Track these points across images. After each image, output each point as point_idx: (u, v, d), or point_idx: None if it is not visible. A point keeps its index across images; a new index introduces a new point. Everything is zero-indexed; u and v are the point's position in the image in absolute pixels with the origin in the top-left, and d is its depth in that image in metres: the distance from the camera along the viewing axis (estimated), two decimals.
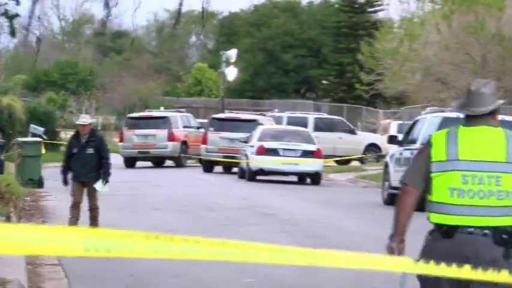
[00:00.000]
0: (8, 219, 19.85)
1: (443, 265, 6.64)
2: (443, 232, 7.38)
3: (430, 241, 7.50)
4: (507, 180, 7.40)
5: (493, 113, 7.61)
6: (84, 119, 19.10)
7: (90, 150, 18.57)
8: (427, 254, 7.37)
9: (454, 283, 7.19)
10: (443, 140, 7.51)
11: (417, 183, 7.56)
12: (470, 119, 7.60)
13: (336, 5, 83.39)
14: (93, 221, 18.67)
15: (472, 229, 7.30)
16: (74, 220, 18.55)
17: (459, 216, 7.34)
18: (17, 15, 12.84)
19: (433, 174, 7.48)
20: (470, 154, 7.44)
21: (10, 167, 29.92)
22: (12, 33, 13.20)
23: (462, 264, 6.97)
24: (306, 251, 6.52)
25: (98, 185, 18.85)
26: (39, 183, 29.95)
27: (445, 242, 7.35)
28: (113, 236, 5.77)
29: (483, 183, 7.37)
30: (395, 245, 7.53)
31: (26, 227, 5.83)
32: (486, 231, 7.30)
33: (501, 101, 7.70)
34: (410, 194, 7.60)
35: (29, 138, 33.50)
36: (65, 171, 18.88)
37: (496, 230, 7.31)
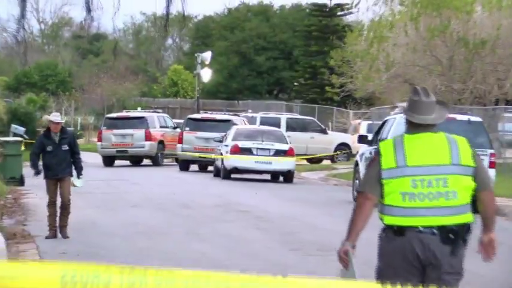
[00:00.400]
0: None
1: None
2: (395, 231, 7.65)
3: (384, 240, 7.74)
4: (453, 181, 7.66)
5: (434, 124, 7.96)
6: (57, 117, 19.08)
7: (65, 147, 18.56)
8: (384, 252, 7.72)
9: (409, 273, 7.61)
10: (391, 149, 7.76)
11: (375, 190, 7.77)
12: (414, 126, 7.86)
13: (307, 9, 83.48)
14: (66, 216, 18.45)
15: (421, 228, 7.58)
16: (53, 218, 18.49)
17: (411, 217, 7.61)
18: None
19: (384, 181, 7.72)
20: (418, 160, 7.70)
21: None
22: None
23: (413, 259, 7.52)
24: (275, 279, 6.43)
25: (77, 182, 18.84)
26: (21, 181, 29.91)
27: (398, 239, 7.61)
28: (89, 270, 5.72)
29: (432, 186, 7.65)
30: (350, 248, 7.69)
31: (10, 265, 5.82)
32: (434, 230, 7.58)
33: (447, 114, 8.15)
34: (368, 201, 7.81)
35: (10, 138, 33.43)
36: (35, 163, 18.81)
37: (444, 230, 7.59)
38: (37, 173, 18.85)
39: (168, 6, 12.44)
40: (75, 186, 18.89)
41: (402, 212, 7.65)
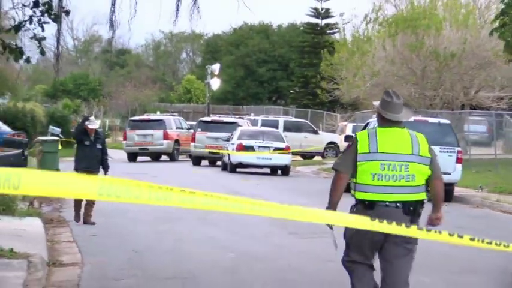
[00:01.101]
0: (31, 204, 19.80)
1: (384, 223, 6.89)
2: (366, 205, 8.20)
3: (357, 211, 8.22)
4: (413, 167, 8.25)
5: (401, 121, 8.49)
6: (95, 125, 18.97)
7: (99, 146, 18.48)
8: None
9: (372, 243, 8.24)
10: (366, 138, 8.31)
11: (347, 170, 8.32)
12: (385, 122, 8.42)
13: (301, 28, 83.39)
14: (91, 206, 18.08)
15: (387, 203, 8.17)
16: (78, 208, 18.22)
17: (379, 194, 8.19)
18: (44, 38, 12.79)
19: (358, 163, 8.25)
20: (386, 148, 8.27)
21: (32, 161, 29.83)
22: (42, 53, 13.09)
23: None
24: (281, 205, 6.55)
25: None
26: None
27: (368, 212, 7.98)
28: (122, 184, 5.79)
29: (396, 170, 8.23)
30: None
31: (51, 174, 5.84)
32: (398, 204, 8.20)
33: (412, 114, 8.74)
34: (342, 179, 8.39)
35: (49, 138, 33.40)
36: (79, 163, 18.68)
37: (405, 204, 8.23)
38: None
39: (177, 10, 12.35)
40: None
41: (372, 189, 8.20)
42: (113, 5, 12.18)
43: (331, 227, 8.18)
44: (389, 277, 8.28)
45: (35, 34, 12.77)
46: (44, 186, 5.64)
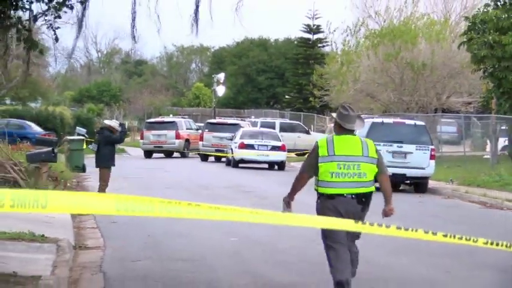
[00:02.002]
0: None
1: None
2: (327, 197, 9.02)
3: (321, 202, 9.10)
4: (363, 166, 9.02)
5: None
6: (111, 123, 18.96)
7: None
8: (321, 208, 9.06)
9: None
10: (325, 144, 9.06)
11: (310, 171, 9.16)
12: (342, 130, 9.15)
13: (295, 42, 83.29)
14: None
15: (345, 195, 8.97)
16: None
17: (337, 188, 8.98)
18: (58, 27, 12.61)
19: (320, 164, 9.02)
20: (342, 151, 9.01)
21: (61, 158, 29.82)
22: (56, 40, 12.87)
23: (339, 214, 8.83)
24: (274, 213, 6.58)
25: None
26: (83, 169, 29.84)
27: (329, 201, 8.99)
28: (137, 200, 5.89)
29: (350, 168, 8.99)
30: (289, 200, 9.44)
31: (73, 194, 5.89)
32: (353, 195, 8.99)
33: (363, 124, 9.33)
34: (305, 178, 9.31)
35: (75, 137, 33.37)
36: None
37: (358, 195, 9.01)
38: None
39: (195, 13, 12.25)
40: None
41: (331, 184, 9.00)
42: (133, 20, 12.15)
43: (292, 199, 9.41)
44: (353, 244, 9.26)
45: (51, 24, 12.58)
46: (68, 204, 5.73)
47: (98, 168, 18.58)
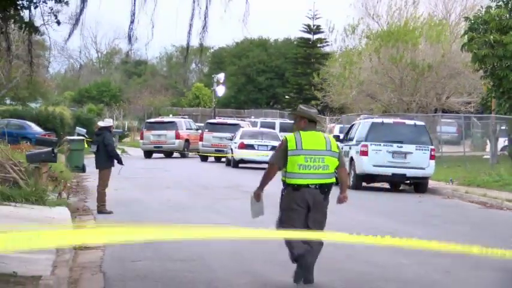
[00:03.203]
0: (60, 195, 19.76)
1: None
2: (294, 188, 10.00)
3: (287, 193, 10.11)
4: (327, 159, 10.02)
5: (316, 124, 10.31)
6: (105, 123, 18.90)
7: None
8: (286, 199, 10.10)
9: (301, 212, 10.01)
10: (293, 139, 10.02)
11: (279, 163, 10.13)
12: (307, 125, 10.13)
13: (295, 42, 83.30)
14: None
15: (310, 185, 9.96)
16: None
17: (304, 179, 9.95)
18: (58, 11, 12.60)
19: (289, 157, 10.00)
20: (308, 146, 9.99)
21: (61, 158, 29.83)
22: (58, 23, 12.82)
23: (305, 203, 9.95)
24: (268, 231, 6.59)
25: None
26: (82, 169, 29.85)
27: (295, 192, 9.99)
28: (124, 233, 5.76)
29: (315, 161, 9.98)
30: (260, 192, 10.41)
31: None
32: (317, 186, 9.98)
33: (317, 114, 10.44)
34: (274, 169, 10.27)
35: (75, 137, 33.39)
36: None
37: (322, 186, 10.01)
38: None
39: (188, 42, 12.38)
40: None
41: (299, 176, 9.96)
42: (132, 22, 12.15)
43: (262, 191, 10.36)
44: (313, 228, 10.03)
45: (51, 8, 12.57)
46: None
47: (98, 169, 18.54)
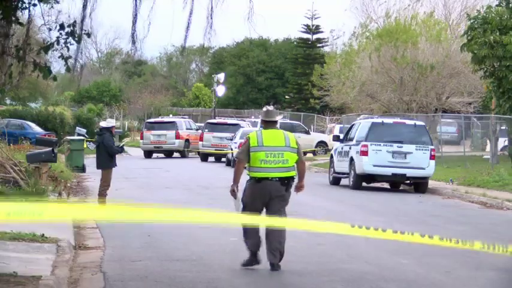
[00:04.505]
0: (60, 195, 19.77)
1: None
2: (257, 180, 11.13)
3: (250, 185, 11.25)
4: (286, 154, 11.13)
5: (276, 123, 11.42)
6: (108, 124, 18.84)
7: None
8: (249, 190, 11.24)
9: (262, 201, 11.16)
10: (255, 136, 11.15)
11: (245, 158, 11.16)
12: (267, 125, 11.32)
13: (295, 42, 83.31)
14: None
15: (270, 178, 11.09)
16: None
17: (265, 173, 11.08)
18: (70, 57, 12.77)
19: (251, 153, 11.09)
20: (268, 142, 11.13)
21: (61, 158, 29.83)
22: (68, 70, 13.06)
23: (267, 195, 11.13)
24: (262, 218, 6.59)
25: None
26: (82, 169, 29.86)
27: (257, 184, 11.15)
28: (117, 209, 5.83)
29: (276, 157, 11.10)
30: (235, 188, 11.22)
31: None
32: (277, 179, 11.11)
33: (280, 116, 12.12)
34: (242, 164, 11.24)
35: (75, 137, 33.40)
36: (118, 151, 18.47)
37: (282, 178, 11.13)
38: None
39: (185, 39, 12.44)
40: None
41: (260, 170, 11.10)
42: (134, 23, 12.16)
43: (237, 187, 11.18)
44: (274, 215, 10.94)
45: (62, 54, 12.75)
46: (62, 213, 5.72)
47: (100, 170, 18.48)
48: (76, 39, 12.45)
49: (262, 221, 10.24)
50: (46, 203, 5.93)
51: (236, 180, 11.28)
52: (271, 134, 11.18)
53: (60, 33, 12.54)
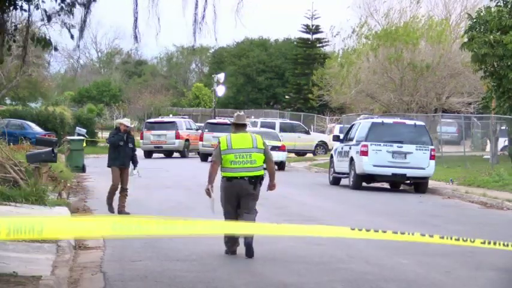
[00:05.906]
0: (60, 195, 19.75)
1: None
2: (227, 179, 12.16)
3: (222, 183, 12.24)
4: (254, 155, 12.14)
5: (245, 126, 12.43)
6: (128, 122, 18.72)
7: (130, 145, 18.17)
8: (224, 188, 12.20)
9: (235, 197, 12.18)
10: (225, 140, 12.19)
11: (218, 160, 12.14)
12: (236, 129, 12.30)
13: (295, 42, 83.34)
14: (124, 197, 17.99)
15: (239, 177, 12.10)
16: (112, 199, 18.01)
17: (235, 172, 12.08)
18: (73, 26, 12.59)
19: (222, 155, 12.11)
20: (237, 145, 12.12)
21: (61, 158, 29.83)
22: (72, 37, 12.77)
23: (237, 192, 12.14)
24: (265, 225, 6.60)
25: (135, 171, 18.41)
26: (82, 169, 29.86)
27: (228, 183, 12.16)
28: (131, 222, 5.97)
29: (244, 158, 12.09)
30: (210, 187, 12.09)
31: (69, 219, 5.94)
32: (245, 178, 12.12)
33: (248, 121, 13.07)
34: (215, 165, 12.19)
35: (75, 137, 33.39)
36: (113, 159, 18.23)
37: (250, 178, 12.15)
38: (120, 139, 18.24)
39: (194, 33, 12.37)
40: (132, 175, 18.47)
41: (230, 170, 12.11)
42: (135, 20, 12.17)
43: (212, 186, 12.02)
44: (245, 212, 12.19)
45: (65, 22, 12.54)
46: (64, 229, 5.77)
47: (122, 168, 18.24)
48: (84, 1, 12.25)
49: (264, 229, 9.77)
50: (46, 217, 5.92)
51: (210, 180, 12.18)
52: (240, 137, 12.20)
53: (62, 6, 12.37)
